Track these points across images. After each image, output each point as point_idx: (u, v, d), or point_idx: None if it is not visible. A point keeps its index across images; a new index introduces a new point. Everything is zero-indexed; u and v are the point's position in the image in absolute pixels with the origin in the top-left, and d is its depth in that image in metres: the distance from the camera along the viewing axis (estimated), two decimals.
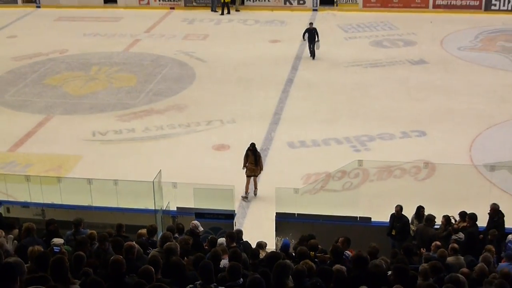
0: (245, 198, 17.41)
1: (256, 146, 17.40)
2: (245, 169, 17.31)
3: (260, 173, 17.55)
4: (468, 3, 34.44)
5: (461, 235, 12.05)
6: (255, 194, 17.67)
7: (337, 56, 27.58)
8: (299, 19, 32.98)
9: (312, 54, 26.88)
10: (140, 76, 25.92)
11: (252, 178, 17.49)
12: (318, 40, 26.60)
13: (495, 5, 34.16)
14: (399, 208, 13.22)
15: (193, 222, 12.11)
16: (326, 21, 33.02)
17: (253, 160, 17.22)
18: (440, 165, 17.51)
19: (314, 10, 34.70)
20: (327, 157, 18.63)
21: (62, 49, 29.27)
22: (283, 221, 13.59)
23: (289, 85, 24.45)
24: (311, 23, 27.20)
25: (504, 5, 34.08)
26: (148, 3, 36.54)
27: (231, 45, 29.71)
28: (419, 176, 17.57)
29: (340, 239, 11.21)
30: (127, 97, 23.84)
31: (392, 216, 13.28)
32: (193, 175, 16.26)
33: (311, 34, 26.57)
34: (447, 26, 31.55)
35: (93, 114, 22.51)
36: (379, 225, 13.62)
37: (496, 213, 13.02)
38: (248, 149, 17.28)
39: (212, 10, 35.11)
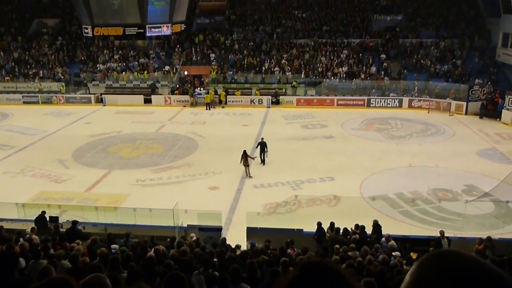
0: (250, 177, 20.60)
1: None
2: (241, 163, 20.57)
3: (249, 165, 20.70)
4: (357, 103, 35.15)
5: (357, 236, 12.16)
6: (250, 177, 20.60)
7: (281, 134, 27.79)
8: (259, 112, 33.45)
9: (263, 162, 22.14)
10: (165, 146, 25.83)
11: (247, 168, 20.65)
12: (267, 151, 22.20)
13: (373, 104, 34.89)
14: (319, 223, 13.26)
15: (191, 234, 12.55)
16: (275, 113, 33.47)
17: (246, 159, 20.51)
18: (343, 197, 17.65)
19: (268, 107, 35.15)
20: (276, 193, 18.62)
21: (118, 130, 29.14)
22: (251, 232, 13.51)
23: (254, 151, 24.48)
24: (262, 138, 22.89)
25: (378, 103, 34.81)
26: (170, 103, 36.71)
27: (220, 127, 29.82)
28: (331, 204, 17.65)
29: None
30: (157, 159, 23.70)
31: (316, 228, 13.31)
32: (197, 205, 16.14)
33: (262, 146, 22.20)
34: (345, 116, 32.06)
35: (137, 169, 22.32)
36: (308, 234, 13.57)
37: (376, 226, 13.14)
38: (243, 153, 20.56)
39: (206, 109, 35.39)
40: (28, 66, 41.57)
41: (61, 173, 21.66)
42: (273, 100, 35.38)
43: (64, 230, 12.67)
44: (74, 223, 12.42)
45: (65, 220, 14.25)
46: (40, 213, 14.00)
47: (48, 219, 14.01)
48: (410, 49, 39.39)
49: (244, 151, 20.77)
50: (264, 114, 33.27)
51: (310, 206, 17.41)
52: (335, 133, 27.98)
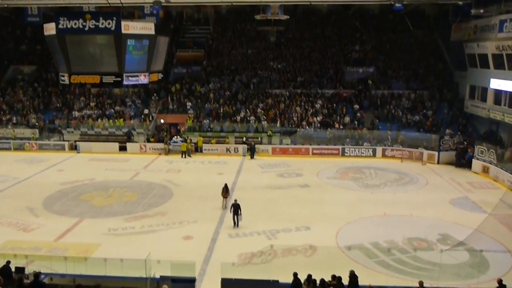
0: (223, 207, 22.80)
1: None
2: (222, 194, 23.00)
3: (228, 196, 23.16)
4: (331, 152, 35.49)
5: None
6: (226, 207, 22.55)
7: (257, 182, 27.70)
8: (235, 161, 33.40)
9: (236, 224, 20.35)
10: (139, 194, 25.34)
11: (224, 199, 22.98)
12: (241, 214, 20.34)
13: (347, 153, 35.30)
14: (295, 274, 12.97)
15: (164, 286, 12.11)
16: (251, 162, 33.45)
17: (225, 192, 23.07)
18: (319, 247, 17.49)
19: (243, 156, 35.10)
20: (251, 243, 18.31)
21: (91, 178, 28.59)
22: (226, 283, 13.10)
23: (229, 200, 24.10)
24: (235, 200, 20.85)
25: (352, 153, 35.23)
26: (145, 151, 36.43)
27: (194, 176, 29.55)
28: (307, 254, 17.39)
29: None
30: (130, 207, 23.19)
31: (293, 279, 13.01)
32: (170, 255, 15.69)
33: (236, 209, 20.34)
34: (320, 165, 32.29)
35: (109, 217, 21.75)
36: (284, 285, 13.23)
37: (352, 276, 12.93)
38: (223, 187, 23.11)
39: (182, 157, 35.21)
40: (2, 112, 40.97)
41: (30, 222, 20.94)
42: (250, 154, 34.86)
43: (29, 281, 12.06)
44: (37, 275, 11.84)
45: (31, 271, 13.61)
46: (5, 263, 13.37)
47: (13, 269, 13.38)
48: (382, 100, 40.41)
49: (225, 185, 23.41)
50: (240, 162, 33.19)
51: (286, 256, 17.11)
52: (310, 182, 27.99)
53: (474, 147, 31.42)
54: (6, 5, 35.88)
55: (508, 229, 19.84)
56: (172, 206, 23.47)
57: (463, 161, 31.62)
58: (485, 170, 29.67)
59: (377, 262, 16.80)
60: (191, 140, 36.17)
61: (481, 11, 32.35)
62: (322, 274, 12.95)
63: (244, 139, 36.66)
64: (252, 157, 34.56)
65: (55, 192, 25.60)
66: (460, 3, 33.30)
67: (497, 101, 33.03)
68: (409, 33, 44.49)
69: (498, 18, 30.74)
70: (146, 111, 40.35)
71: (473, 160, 30.84)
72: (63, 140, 38.02)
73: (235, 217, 20.47)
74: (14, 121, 39.90)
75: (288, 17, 34.79)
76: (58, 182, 27.38)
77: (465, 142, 33.00)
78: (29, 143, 37.29)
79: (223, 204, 22.93)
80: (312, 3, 36.58)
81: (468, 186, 27.24)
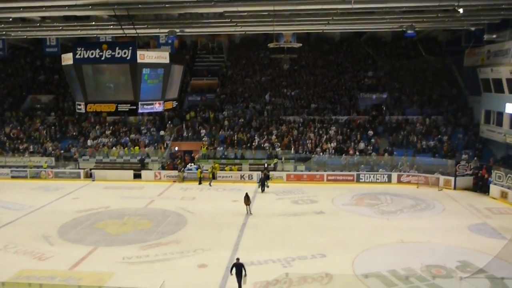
0: (250, 214, 26.19)
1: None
2: (244, 202, 26.26)
3: (250, 204, 26.42)
4: (346, 178, 35.23)
5: None
6: (251, 213, 26.20)
7: (271, 209, 27.52)
8: (249, 188, 33.08)
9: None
10: (154, 222, 25.30)
11: (247, 206, 26.24)
12: (245, 275, 16.35)
13: (362, 179, 34.99)
14: None
15: None
16: (265, 189, 33.24)
17: (247, 200, 26.22)
18: (335, 275, 17.22)
19: (258, 182, 34.84)
20: (266, 271, 18.08)
21: (106, 206, 28.67)
22: None
23: (244, 227, 24.11)
24: (238, 259, 16.91)
25: (367, 179, 34.90)
26: (160, 178, 36.54)
27: (209, 203, 29.47)
28: (323, 282, 17.11)
29: None
30: (145, 235, 23.12)
31: None
32: (184, 283, 15.59)
33: (239, 269, 16.42)
34: (335, 191, 31.98)
35: (123, 246, 21.69)
36: None
37: None
38: (245, 196, 26.35)
39: (198, 183, 35.22)
40: (19, 141, 41.65)
41: (45, 250, 20.97)
42: (261, 187, 32.96)
43: None
44: None
45: None
46: None
47: None
48: (396, 126, 40.23)
49: (246, 193, 26.50)
50: (254, 189, 33.04)
51: (302, 285, 16.83)
52: (325, 208, 27.71)
53: (491, 172, 30.97)
54: (26, 36, 36.89)
55: None
56: (187, 234, 23.36)
57: (482, 186, 31.12)
58: (504, 196, 29.15)
59: None
60: (212, 168, 36.08)
61: (494, 36, 32.36)
62: None
63: (266, 165, 36.31)
64: (262, 190, 32.59)
65: (70, 220, 25.68)
66: (472, 29, 33.37)
67: None
68: (422, 59, 44.59)
69: (511, 43, 30.70)
70: (162, 132, 40.89)
71: (490, 185, 30.37)
72: (79, 168, 38.38)
73: (239, 279, 16.48)
74: (31, 150, 40.48)
75: (301, 44, 35.13)
76: (73, 210, 27.49)
77: (482, 168, 32.54)
78: (45, 171, 37.69)
79: (247, 210, 26.29)
80: (324, 30, 36.93)
81: (486, 211, 26.73)
